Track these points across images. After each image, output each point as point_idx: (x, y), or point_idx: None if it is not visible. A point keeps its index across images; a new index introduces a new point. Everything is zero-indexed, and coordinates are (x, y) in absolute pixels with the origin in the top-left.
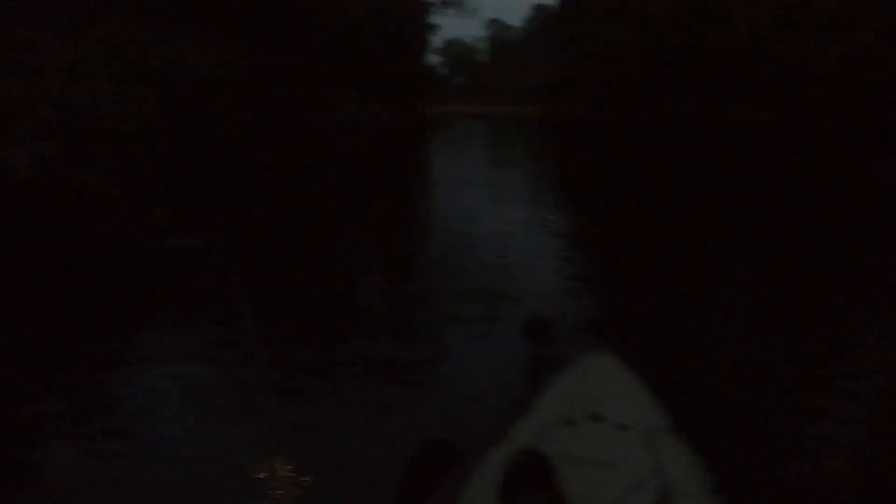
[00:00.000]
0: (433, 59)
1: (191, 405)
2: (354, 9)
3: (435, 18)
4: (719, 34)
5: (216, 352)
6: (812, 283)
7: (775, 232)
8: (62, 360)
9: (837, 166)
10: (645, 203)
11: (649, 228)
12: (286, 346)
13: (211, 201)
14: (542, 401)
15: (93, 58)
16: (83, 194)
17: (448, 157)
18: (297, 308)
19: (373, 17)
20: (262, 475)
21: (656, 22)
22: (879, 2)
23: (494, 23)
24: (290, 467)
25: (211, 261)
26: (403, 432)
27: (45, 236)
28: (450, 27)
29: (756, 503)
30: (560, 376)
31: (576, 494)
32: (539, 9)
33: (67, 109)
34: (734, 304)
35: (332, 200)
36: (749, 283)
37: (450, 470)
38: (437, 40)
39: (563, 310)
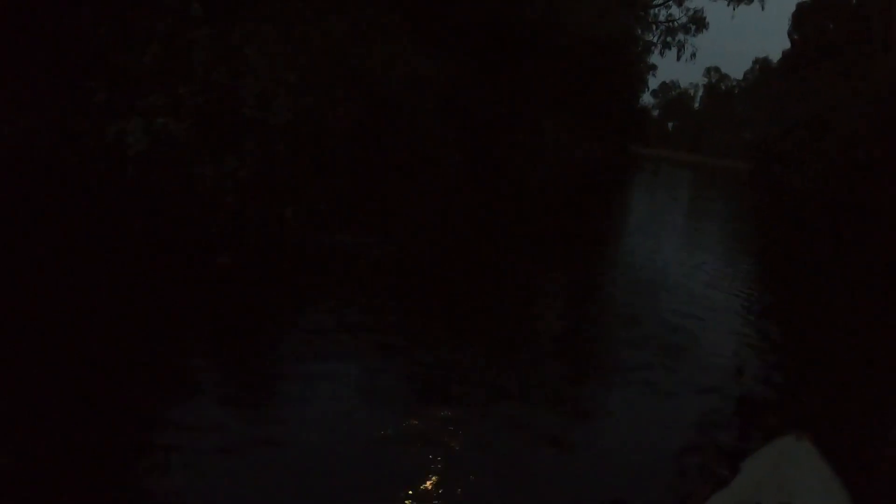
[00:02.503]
0: (648, 99)
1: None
2: (577, 38)
3: (654, 59)
4: None
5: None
6: None
7: None
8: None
9: None
10: (855, 281)
11: (858, 310)
12: (431, 374)
13: (383, 206)
14: (738, 480)
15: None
16: (202, 179)
17: (648, 199)
18: (450, 330)
19: (594, 49)
20: None
21: (888, 92)
22: None
23: (713, 71)
24: None
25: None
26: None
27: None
28: (668, 69)
29: None
30: (757, 456)
31: None
32: (760, 62)
33: (210, 90)
34: None
35: (516, 222)
36: None
37: None
38: (653, 81)
39: (756, 386)
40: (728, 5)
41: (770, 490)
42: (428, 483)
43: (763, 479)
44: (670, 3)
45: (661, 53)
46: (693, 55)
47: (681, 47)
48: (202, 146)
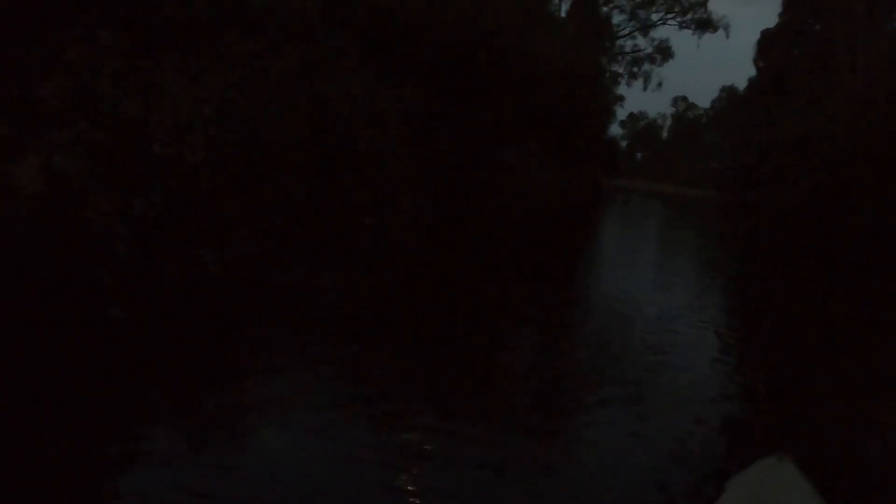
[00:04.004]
0: (616, 130)
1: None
2: (544, 69)
3: (622, 90)
4: None
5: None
6: None
7: None
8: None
9: None
10: (830, 309)
11: (834, 328)
12: (403, 409)
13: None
14: (723, 500)
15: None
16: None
17: (619, 231)
18: (424, 369)
19: (561, 80)
20: None
21: (856, 116)
22: None
23: (680, 100)
24: None
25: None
26: None
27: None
28: (636, 100)
29: None
30: (741, 477)
31: None
32: (727, 90)
33: (118, 126)
34: None
35: (482, 258)
36: None
37: None
38: (621, 112)
39: (735, 410)
40: (693, 34)
41: None
42: None
43: (747, 499)
44: (636, 33)
45: (628, 84)
46: (659, 84)
47: (647, 77)
48: (101, 186)
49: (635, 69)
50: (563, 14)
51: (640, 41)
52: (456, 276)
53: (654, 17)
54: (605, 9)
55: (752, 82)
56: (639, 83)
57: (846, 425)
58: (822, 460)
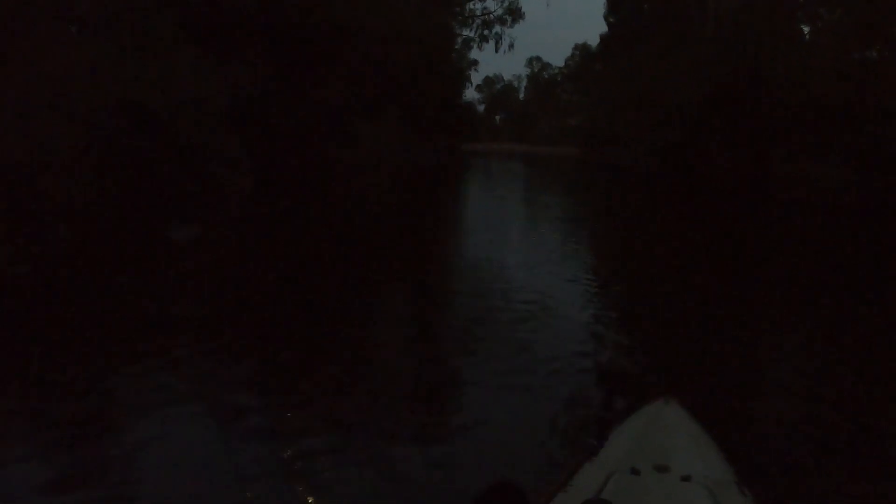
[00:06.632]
0: (472, 94)
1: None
2: (388, 39)
3: (474, 54)
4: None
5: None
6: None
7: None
8: None
9: None
10: (688, 247)
11: (694, 272)
12: (288, 399)
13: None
14: (607, 449)
15: None
16: None
17: (478, 196)
18: (299, 353)
19: (409, 48)
20: None
21: (706, 64)
22: None
23: (535, 61)
24: None
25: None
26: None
27: None
28: (491, 63)
29: None
30: (625, 424)
31: None
32: (580, 48)
33: None
34: (792, 346)
35: (328, 245)
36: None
37: None
38: (476, 76)
39: (614, 361)
40: None
41: (643, 454)
42: None
43: (635, 445)
44: None
45: (480, 47)
46: (511, 46)
47: (498, 39)
48: None
49: (486, 32)
50: None
51: (490, 3)
52: (294, 267)
53: None
54: None
55: (604, 38)
56: (491, 46)
57: (729, 365)
58: (707, 401)
